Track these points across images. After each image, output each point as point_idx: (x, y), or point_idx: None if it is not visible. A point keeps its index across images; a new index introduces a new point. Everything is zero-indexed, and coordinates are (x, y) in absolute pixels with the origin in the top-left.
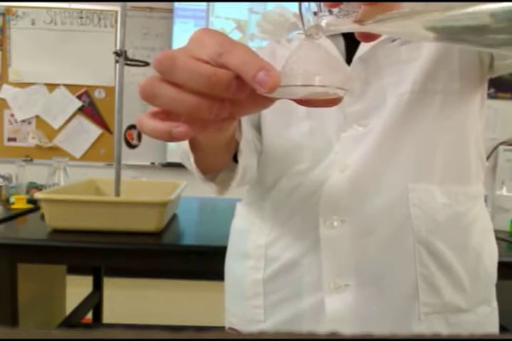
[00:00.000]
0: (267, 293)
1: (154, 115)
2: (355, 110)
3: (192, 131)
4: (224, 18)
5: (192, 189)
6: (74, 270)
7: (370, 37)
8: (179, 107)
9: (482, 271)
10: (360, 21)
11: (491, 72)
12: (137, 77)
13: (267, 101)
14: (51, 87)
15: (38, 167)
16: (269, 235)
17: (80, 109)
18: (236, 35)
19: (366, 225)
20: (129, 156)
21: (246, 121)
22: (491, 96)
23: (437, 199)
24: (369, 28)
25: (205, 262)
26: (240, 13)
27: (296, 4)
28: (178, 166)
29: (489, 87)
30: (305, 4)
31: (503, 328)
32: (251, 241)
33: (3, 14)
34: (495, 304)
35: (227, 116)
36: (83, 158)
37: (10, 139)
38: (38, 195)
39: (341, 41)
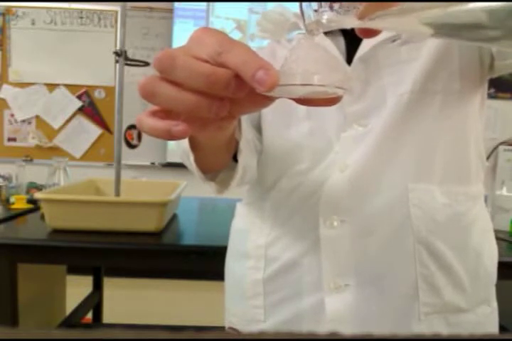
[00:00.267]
0: (267, 293)
1: (154, 114)
2: (355, 110)
3: (191, 129)
4: (224, 18)
5: (192, 189)
6: (74, 270)
7: (370, 33)
8: (179, 106)
9: (482, 271)
10: (360, 17)
11: (491, 72)
12: (137, 77)
13: (267, 100)
14: (51, 87)
15: (38, 167)
16: (269, 235)
17: (80, 109)
18: (236, 35)
19: (366, 225)
20: (129, 156)
21: (246, 121)
22: (491, 96)
23: (437, 199)
24: (369, 24)
25: (205, 262)
26: (240, 13)
27: (296, 4)
28: (178, 166)
29: (489, 87)
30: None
31: (503, 328)
32: (251, 241)
33: (3, 14)
34: (495, 304)
35: (226, 115)
36: (83, 158)
37: (10, 139)
38: (38, 195)
39: (342, 41)
